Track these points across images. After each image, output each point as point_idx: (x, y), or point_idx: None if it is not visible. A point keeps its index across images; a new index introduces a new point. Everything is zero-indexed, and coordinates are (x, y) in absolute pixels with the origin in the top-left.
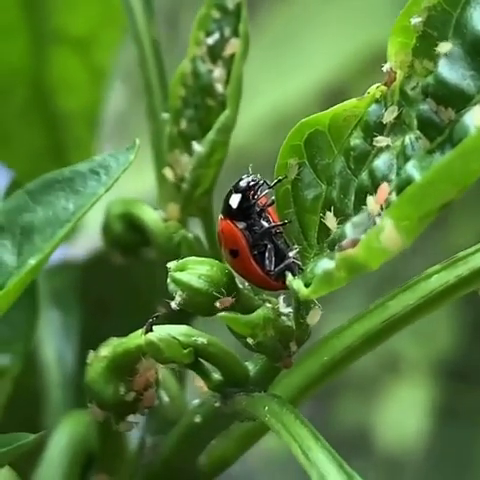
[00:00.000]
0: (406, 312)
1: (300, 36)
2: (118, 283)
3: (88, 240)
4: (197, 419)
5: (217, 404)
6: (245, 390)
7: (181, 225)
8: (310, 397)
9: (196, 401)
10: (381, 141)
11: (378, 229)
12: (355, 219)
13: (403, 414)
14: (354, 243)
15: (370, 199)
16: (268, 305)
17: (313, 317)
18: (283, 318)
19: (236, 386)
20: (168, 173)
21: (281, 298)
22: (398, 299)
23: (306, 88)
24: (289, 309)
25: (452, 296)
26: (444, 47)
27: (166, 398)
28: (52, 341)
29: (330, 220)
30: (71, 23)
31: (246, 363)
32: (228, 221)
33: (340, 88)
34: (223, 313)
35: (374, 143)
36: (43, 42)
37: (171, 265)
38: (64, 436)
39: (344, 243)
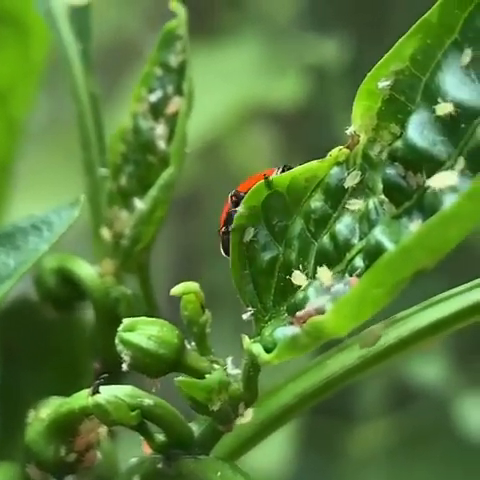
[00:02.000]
0: (343, 372)
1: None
2: (36, 335)
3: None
4: (135, 479)
5: (160, 465)
6: (189, 452)
7: (117, 281)
8: None
9: (133, 460)
10: (350, 204)
11: (348, 297)
12: (318, 284)
13: (267, 445)
14: (321, 310)
15: (322, 270)
16: (216, 366)
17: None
18: (231, 380)
19: (180, 448)
20: (105, 229)
21: (229, 359)
22: (335, 359)
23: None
24: (237, 371)
25: (391, 356)
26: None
27: (99, 455)
28: None
29: (298, 280)
30: None
31: (190, 424)
32: None
33: (217, 139)
34: (180, 378)
35: (346, 206)
36: None
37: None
38: None
39: (310, 309)
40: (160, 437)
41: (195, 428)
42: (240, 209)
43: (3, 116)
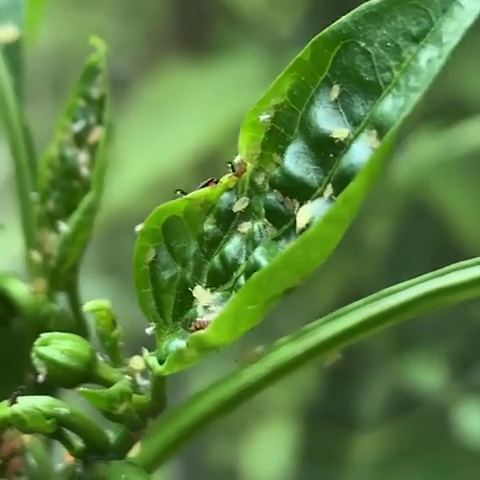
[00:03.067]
0: (257, 380)
1: (176, 104)
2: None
3: None
4: None
5: (79, 470)
6: (105, 457)
7: (48, 298)
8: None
9: (60, 465)
10: (240, 227)
11: (225, 313)
12: (205, 302)
13: (267, 454)
14: (204, 324)
15: (197, 288)
16: (127, 377)
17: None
18: (141, 390)
19: (97, 453)
20: (35, 251)
21: (138, 372)
22: (250, 368)
23: (180, 153)
24: (147, 381)
25: (299, 366)
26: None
27: (33, 461)
28: None
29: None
30: None
31: (107, 431)
32: None
33: (212, 153)
34: (81, 388)
35: (236, 229)
36: None
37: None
38: None
39: (195, 323)
40: (79, 444)
41: (111, 435)
42: (141, 232)
43: None
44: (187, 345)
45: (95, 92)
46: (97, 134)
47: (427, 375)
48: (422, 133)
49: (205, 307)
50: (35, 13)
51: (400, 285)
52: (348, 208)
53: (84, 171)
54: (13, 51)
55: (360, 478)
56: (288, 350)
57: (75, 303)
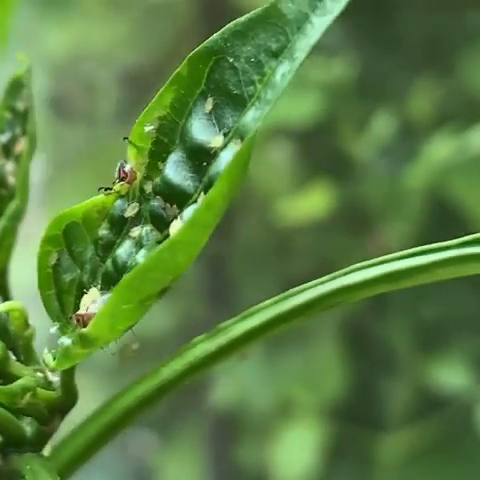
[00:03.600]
0: (175, 376)
1: None
2: None
3: None
4: None
5: None
6: (22, 450)
7: None
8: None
9: None
10: (132, 232)
11: (102, 312)
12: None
13: (295, 454)
14: (85, 316)
15: (91, 290)
16: (39, 374)
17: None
18: (53, 386)
19: (14, 446)
20: None
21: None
22: (169, 365)
23: None
24: (57, 378)
25: (213, 362)
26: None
27: None
28: None
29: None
30: None
31: (24, 425)
32: None
33: None
34: None
35: (129, 233)
36: None
37: None
38: None
39: (76, 316)
40: None
41: (28, 429)
42: (44, 237)
43: None
44: (72, 342)
45: (20, 105)
46: (22, 144)
47: (452, 375)
48: (439, 135)
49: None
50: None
51: (306, 285)
52: (210, 213)
53: (11, 180)
54: None
55: (387, 477)
56: (202, 348)
57: None
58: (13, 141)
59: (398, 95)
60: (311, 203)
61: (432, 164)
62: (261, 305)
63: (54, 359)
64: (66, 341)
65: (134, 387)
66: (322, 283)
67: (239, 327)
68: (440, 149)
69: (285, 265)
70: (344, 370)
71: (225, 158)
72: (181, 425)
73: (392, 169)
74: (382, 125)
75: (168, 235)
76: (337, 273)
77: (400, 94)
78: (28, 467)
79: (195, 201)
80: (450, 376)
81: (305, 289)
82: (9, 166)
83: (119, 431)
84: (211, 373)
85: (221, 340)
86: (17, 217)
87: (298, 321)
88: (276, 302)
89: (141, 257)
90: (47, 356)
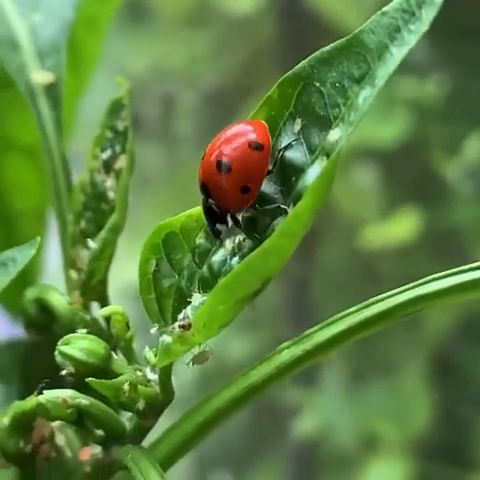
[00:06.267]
0: (264, 379)
1: None
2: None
3: None
4: (87, 469)
5: (100, 455)
6: (122, 444)
7: (83, 308)
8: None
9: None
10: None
11: (200, 312)
12: (194, 303)
13: None
14: (189, 324)
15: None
16: (139, 373)
17: None
18: (151, 383)
19: (115, 440)
20: (70, 266)
21: (148, 368)
22: (257, 369)
23: None
24: (156, 376)
25: (299, 366)
26: None
27: (69, 453)
28: None
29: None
30: (19, 132)
31: (124, 420)
32: None
33: None
34: (90, 378)
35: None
36: None
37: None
38: None
39: (179, 323)
40: (99, 432)
41: (128, 424)
42: (145, 245)
43: (35, 168)
44: (173, 340)
45: (120, 125)
46: (121, 162)
47: None
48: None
49: (192, 309)
50: (93, 51)
51: (387, 294)
52: (298, 223)
53: (110, 195)
54: (53, 89)
55: None
56: (289, 353)
57: None
58: (113, 159)
59: None
60: (398, 227)
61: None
62: (344, 312)
63: (155, 356)
64: (167, 339)
65: (224, 390)
66: (401, 292)
67: (324, 333)
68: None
69: (369, 290)
70: (431, 404)
71: (312, 174)
72: (261, 461)
73: None
74: (474, 148)
75: (260, 243)
76: (415, 283)
77: None
78: (130, 456)
79: (285, 213)
80: None
81: (386, 298)
82: (109, 182)
83: (210, 430)
84: (293, 406)
85: (307, 345)
86: (116, 230)
87: (379, 327)
88: (358, 310)
89: (235, 263)
90: (149, 353)
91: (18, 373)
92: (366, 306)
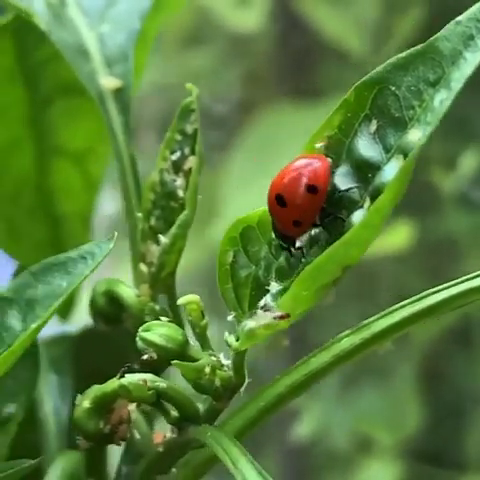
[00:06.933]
0: (323, 367)
1: (278, 148)
2: (104, 351)
3: (80, 318)
4: (160, 449)
5: (174, 435)
6: (196, 424)
7: (151, 300)
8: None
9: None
10: None
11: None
12: (272, 291)
13: None
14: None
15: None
16: (213, 358)
17: None
18: (225, 368)
19: (189, 421)
20: (140, 260)
21: (222, 353)
22: (317, 357)
23: None
24: (229, 362)
25: (358, 354)
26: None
27: (138, 436)
28: (50, 400)
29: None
30: (69, 139)
31: (198, 403)
32: None
33: None
34: (175, 361)
35: None
36: (46, 155)
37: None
38: (59, 468)
39: (278, 314)
40: (174, 413)
41: (201, 406)
42: (223, 238)
43: (82, 173)
44: (257, 326)
45: (189, 128)
46: (190, 162)
47: None
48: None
49: (272, 297)
50: (139, 62)
51: (440, 287)
52: (379, 216)
53: (180, 193)
54: (121, 95)
55: None
56: (349, 341)
57: (173, 302)
58: (182, 160)
59: None
60: (394, 237)
61: None
62: (401, 304)
63: (237, 340)
64: (250, 324)
65: (285, 376)
66: (456, 284)
67: (380, 323)
68: None
69: (365, 299)
70: (422, 408)
71: (389, 171)
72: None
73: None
74: (469, 161)
75: (338, 235)
76: (469, 276)
77: None
78: (209, 434)
79: (361, 206)
80: None
81: (439, 290)
82: (178, 182)
83: (271, 415)
84: (288, 410)
85: (365, 334)
86: (186, 225)
87: (434, 317)
88: (413, 302)
89: (314, 253)
90: (230, 338)
91: (71, 365)
92: (420, 298)
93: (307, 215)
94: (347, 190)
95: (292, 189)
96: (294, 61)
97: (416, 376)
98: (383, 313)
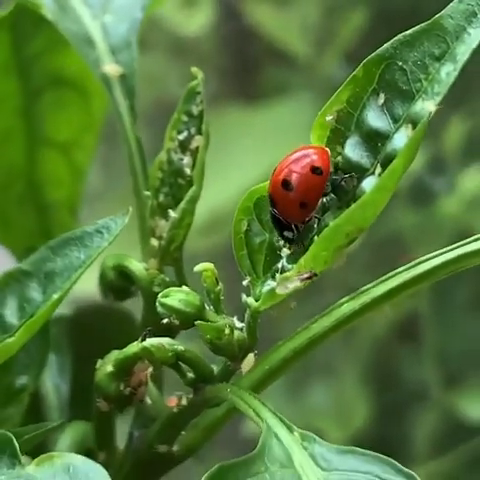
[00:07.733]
0: (324, 331)
1: (228, 148)
2: (97, 333)
3: (76, 301)
4: (175, 409)
5: (190, 395)
6: (211, 384)
7: (159, 272)
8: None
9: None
10: None
11: (306, 257)
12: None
13: None
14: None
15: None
16: (227, 321)
17: (248, 362)
18: (237, 331)
19: (204, 382)
20: (149, 235)
21: (235, 317)
22: (318, 322)
23: (232, 196)
24: (242, 324)
25: (357, 318)
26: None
27: (149, 401)
28: (50, 377)
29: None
30: (57, 130)
31: (212, 365)
32: None
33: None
34: (198, 321)
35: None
36: (35, 145)
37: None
38: (68, 437)
39: (305, 275)
40: (190, 374)
41: (215, 367)
42: (238, 208)
43: (69, 163)
44: (277, 284)
45: (195, 109)
46: (197, 142)
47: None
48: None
49: (286, 259)
50: None
51: (437, 252)
52: (392, 180)
53: (187, 171)
54: (126, 81)
55: None
56: (348, 306)
57: (180, 274)
58: (189, 139)
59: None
60: None
61: (465, 195)
62: (398, 270)
63: (256, 301)
64: (272, 284)
65: (288, 341)
66: (452, 250)
67: (379, 289)
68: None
69: (312, 295)
70: (369, 401)
71: (398, 139)
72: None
73: (425, 201)
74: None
75: (348, 201)
76: (464, 241)
77: (433, 128)
78: (229, 390)
79: (372, 173)
80: (477, 407)
81: (437, 255)
82: (186, 160)
83: (275, 379)
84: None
85: (364, 299)
86: (194, 201)
87: (429, 282)
88: (410, 267)
89: (328, 217)
90: (249, 299)
91: (68, 346)
92: (417, 263)
93: (312, 196)
94: (344, 178)
95: (298, 172)
96: (239, 64)
97: (363, 372)
98: (381, 279)
